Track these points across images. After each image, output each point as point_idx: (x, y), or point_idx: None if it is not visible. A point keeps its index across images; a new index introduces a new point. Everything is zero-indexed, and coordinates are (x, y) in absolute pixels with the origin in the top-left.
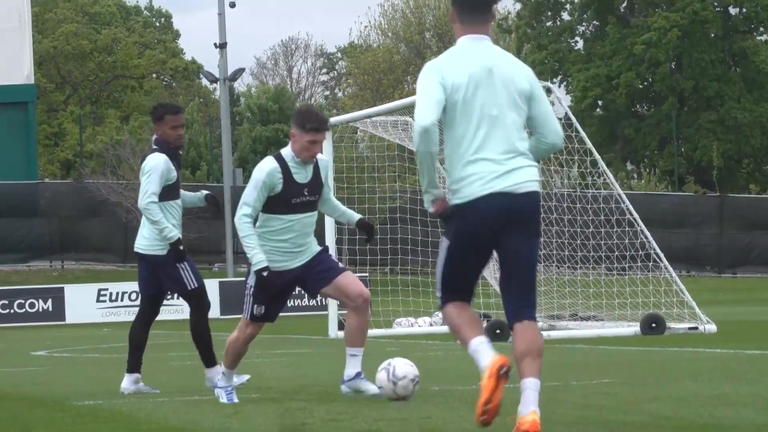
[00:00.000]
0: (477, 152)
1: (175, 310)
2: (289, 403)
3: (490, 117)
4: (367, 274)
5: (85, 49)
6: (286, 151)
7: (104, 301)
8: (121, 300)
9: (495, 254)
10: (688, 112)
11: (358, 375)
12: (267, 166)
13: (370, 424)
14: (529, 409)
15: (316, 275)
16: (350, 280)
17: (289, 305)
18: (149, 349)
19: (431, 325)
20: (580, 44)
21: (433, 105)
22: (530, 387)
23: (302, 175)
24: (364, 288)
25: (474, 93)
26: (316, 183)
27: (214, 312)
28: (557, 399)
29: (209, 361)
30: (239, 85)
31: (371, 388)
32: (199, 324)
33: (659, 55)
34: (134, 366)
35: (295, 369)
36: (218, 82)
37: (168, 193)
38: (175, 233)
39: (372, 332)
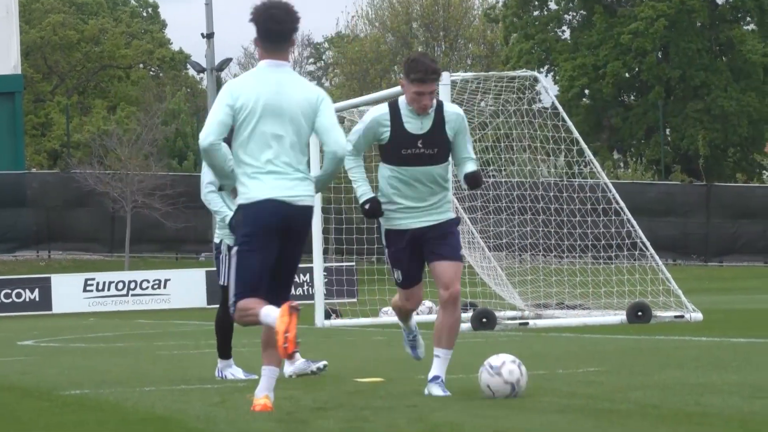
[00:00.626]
0: (263, 165)
1: (161, 300)
2: (275, 391)
3: (275, 136)
4: (353, 263)
5: (72, 39)
6: (402, 99)
7: (91, 290)
8: (108, 289)
9: (483, 245)
10: (674, 102)
11: (434, 379)
12: (376, 111)
13: (356, 412)
14: (263, 393)
15: (431, 245)
16: (446, 269)
17: None
18: (137, 338)
19: (417, 314)
20: (567, 34)
21: (216, 126)
22: (268, 375)
23: (415, 125)
24: (454, 283)
25: (262, 115)
26: (434, 136)
27: (201, 301)
28: (543, 387)
29: (224, 353)
30: (226, 75)
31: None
32: (224, 318)
33: (646, 45)
34: (225, 353)
35: (282, 358)
36: (205, 72)
37: None
38: None
39: (358, 321)
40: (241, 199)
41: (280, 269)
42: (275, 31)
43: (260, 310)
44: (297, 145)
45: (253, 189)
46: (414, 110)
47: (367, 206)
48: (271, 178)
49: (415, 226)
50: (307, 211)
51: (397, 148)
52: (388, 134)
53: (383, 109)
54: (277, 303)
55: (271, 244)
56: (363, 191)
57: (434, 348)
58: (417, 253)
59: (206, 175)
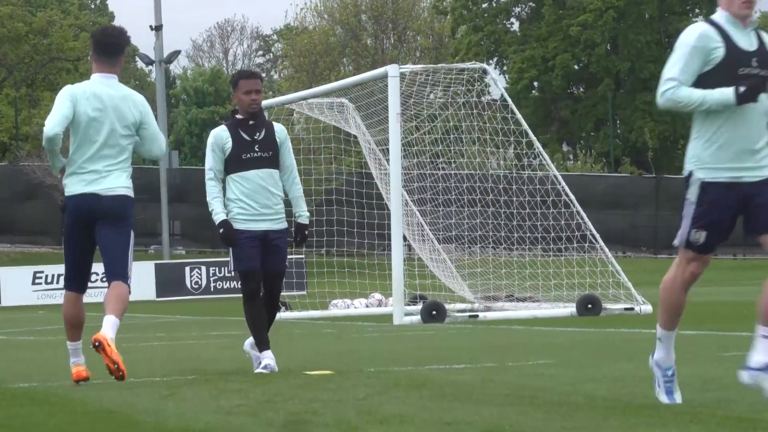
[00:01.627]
0: (86, 164)
1: None
2: (224, 384)
3: (100, 141)
4: (303, 256)
5: (21, 31)
6: (719, 14)
7: (40, 283)
8: (57, 282)
9: (433, 238)
10: (624, 94)
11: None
12: (698, 27)
13: (306, 405)
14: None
15: (759, 211)
16: None
17: (225, 287)
18: (86, 331)
19: (367, 306)
20: (516, 26)
21: (62, 119)
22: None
23: (745, 41)
24: None
25: (91, 122)
26: (765, 54)
27: (150, 294)
28: (493, 380)
29: (263, 343)
30: (175, 68)
31: None
32: (249, 302)
33: (595, 37)
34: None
35: (232, 351)
36: (154, 65)
37: (232, 166)
38: (221, 216)
39: (308, 314)
40: (66, 192)
41: (110, 251)
42: (107, 44)
43: (68, 341)
44: (118, 148)
45: (72, 185)
46: (739, 21)
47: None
48: (89, 176)
49: (748, 179)
50: (119, 199)
51: (732, 67)
52: (722, 51)
53: (703, 24)
54: (111, 274)
55: (84, 235)
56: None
57: (760, 327)
58: (734, 215)
59: (207, 160)
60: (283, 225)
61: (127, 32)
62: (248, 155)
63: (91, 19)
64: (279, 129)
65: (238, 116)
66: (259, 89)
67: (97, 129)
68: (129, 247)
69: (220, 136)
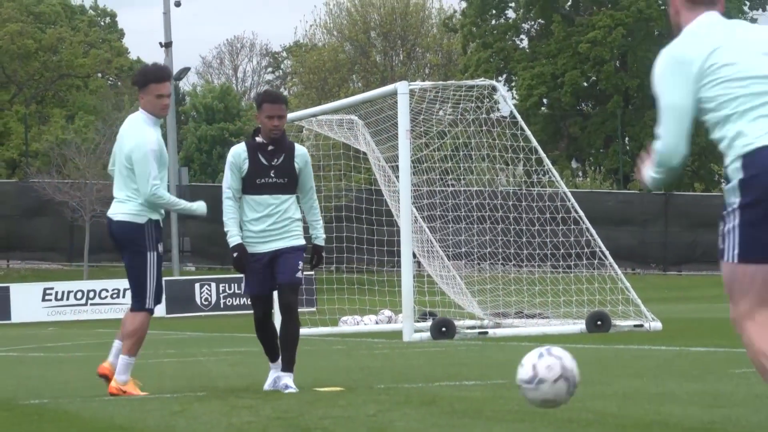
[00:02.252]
0: (114, 189)
1: (120, 309)
2: (235, 401)
3: (116, 170)
4: (312, 273)
5: (30, 48)
6: None
7: (50, 300)
8: (67, 299)
9: (442, 254)
10: (633, 110)
11: None
12: None
13: (316, 422)
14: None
15: None
16: None
17: (235, 304)
18: (96, 347)
19: (377, 323)
20: (525, 43)
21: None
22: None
23: None
24: None
25: (115, 153)
26: None
27: (160, 310)
28: (503, 396)
29: (272, 356)
30: (185, 84)
31: None
32: (256, 325)
33: (604, 54)
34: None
35: (242, 367)
36: None
37: (246, 187)
38: (236, 239)
39: (318, 330)
40: None
41: (128, 277)
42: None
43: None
44: (123, 177)
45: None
46: None
47: None
48: (114, 201)
49: None
50: (119, 224)
51: None
52: None
53: None
54: (130, 309)
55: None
56: None
57: None
58: None
59: (224, 179)
60: (297, 242)
61: (150, 69)
62: (263, 180)
63: (101, 36)
64: (300, 154)
65: (259, 139)
66: (283, 114)
67: (113, 157)
68: (144, 271)
69: (238, 155)
